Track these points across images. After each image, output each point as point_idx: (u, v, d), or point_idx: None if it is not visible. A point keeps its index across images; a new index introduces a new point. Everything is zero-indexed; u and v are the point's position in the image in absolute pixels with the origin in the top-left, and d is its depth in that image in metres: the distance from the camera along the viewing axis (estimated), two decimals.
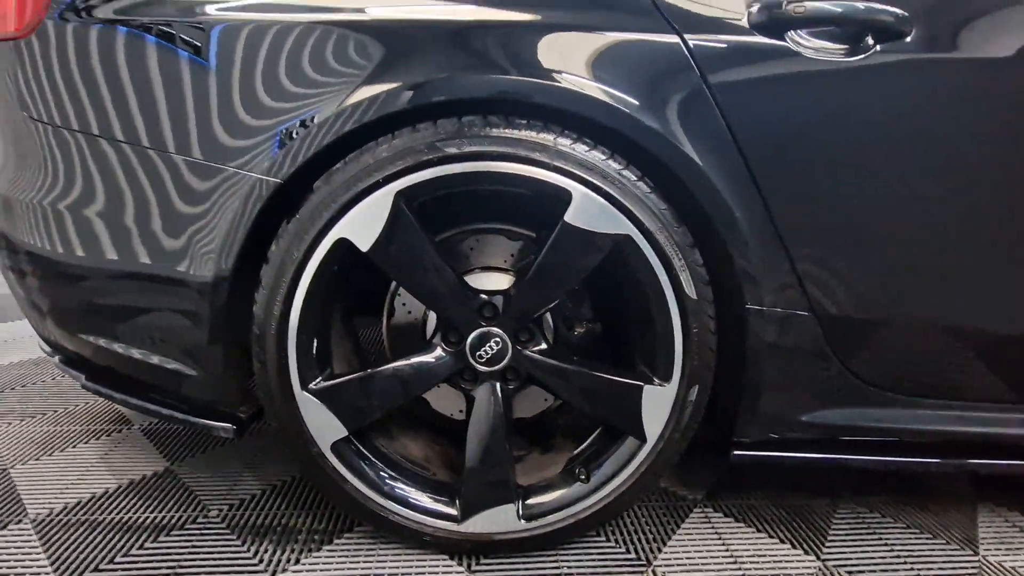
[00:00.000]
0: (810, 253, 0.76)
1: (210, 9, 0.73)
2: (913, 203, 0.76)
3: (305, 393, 0.78)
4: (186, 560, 0.83)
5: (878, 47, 0.71)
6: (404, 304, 0.94)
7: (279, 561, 0.83)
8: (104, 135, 0.76)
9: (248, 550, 0.85)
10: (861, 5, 0.70)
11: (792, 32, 0.71)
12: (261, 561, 0.83)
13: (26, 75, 0.79)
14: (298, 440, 0.80)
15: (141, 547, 0.85)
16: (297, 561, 0.83)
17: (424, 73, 0.70)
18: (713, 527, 0.96)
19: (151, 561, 0.82)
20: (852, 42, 0.71)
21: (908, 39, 0.71)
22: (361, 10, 0.72)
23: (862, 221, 0.76)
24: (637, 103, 0.71)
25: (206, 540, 0.87)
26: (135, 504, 0.95)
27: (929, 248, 0.78)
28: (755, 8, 0.72)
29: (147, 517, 0.92)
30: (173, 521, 0.91)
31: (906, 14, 0.70)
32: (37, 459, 1.08)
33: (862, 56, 0.71)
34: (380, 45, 0.71)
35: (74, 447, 1.12)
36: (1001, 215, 0.78)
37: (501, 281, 0.88)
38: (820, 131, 0.73)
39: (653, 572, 0.85)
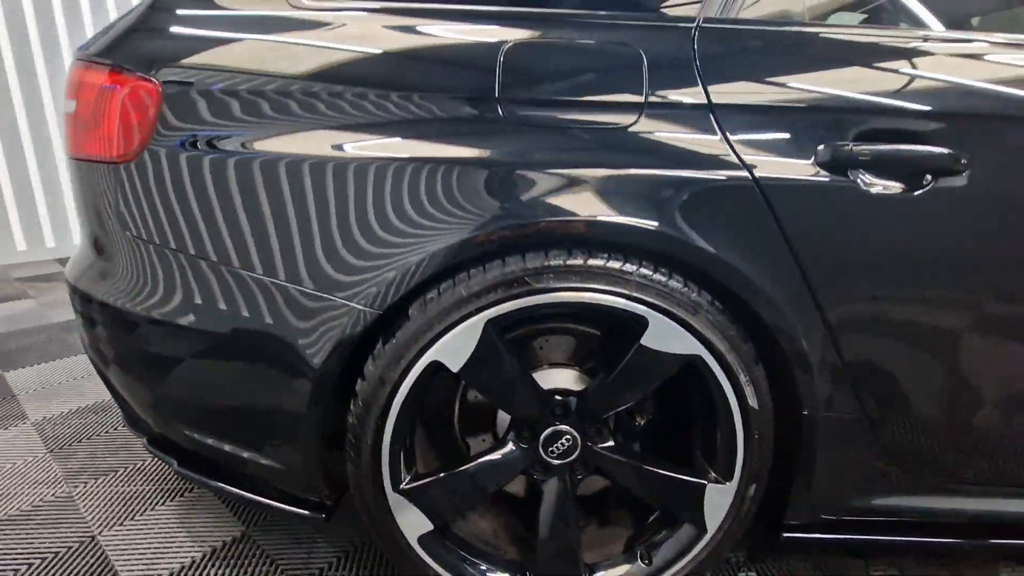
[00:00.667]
0: (867, 371, 0.83)
1: (325, 148, 0.77)
2: (954, 326, 0.82)
3: (396, 494, 0.85)
4: None
5: (935, 183, 0.76)
6: (475, 397, 1.00)
7: None
8: (221, 261, 0.81)
9: None
10: (921, 148, 0.75)
11: (857, 171, 0.76)
12: None
13: (129, 196, 0.83)
14: (389, 534, 0.87)
15: None
16: None
17: (518, 216, 0.75)
18: None
19: None
20: (912, 179, 0.76)
21: (962, 176, 0.76)
22: (457, 160, 0.77)
23: (913, 344, 0.82)
24: (715, 242, 0.76)
25: None
26: (222, 574, 1.03)
27: (973, 364, 0.84)
28: (822, 148, 0.76)
29: None
30: None
31: (958, 153, 0.75)
32: (121, 523, 1.15)
33: (921, 191, 0.76)
34: (479, 191, 0.75)
35: (153, 509, 1.20)
36: None
37: (568, 378, 0.93)
38: (882, 262, 0.79)
39: None
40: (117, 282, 0.89)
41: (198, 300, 0.83)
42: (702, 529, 0.89)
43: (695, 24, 0.81)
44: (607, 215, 0.75)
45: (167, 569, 1.04)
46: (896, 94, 0.78)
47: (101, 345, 0.95)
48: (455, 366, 0.79)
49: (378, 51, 0.81)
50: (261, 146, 0.78)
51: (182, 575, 1.03)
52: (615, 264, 0.77)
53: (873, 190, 0.76)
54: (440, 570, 0.88)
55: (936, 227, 0.78)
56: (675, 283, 0.78)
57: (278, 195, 0.78)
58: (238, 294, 0.81)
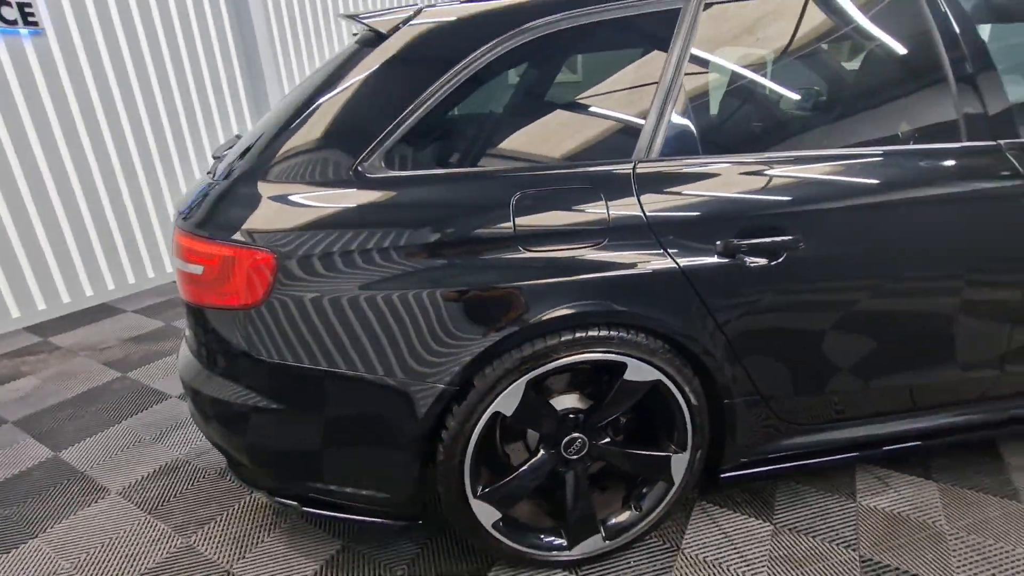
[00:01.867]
0: (762, 373, 1.32)
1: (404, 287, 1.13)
2: (800, 337, 1.32)
3: (475, 499, 1.27)
4: None
5: (785, 256, 1.24)
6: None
7: None
8: (348, 367, 1.16)
9: None
10: (773, 239, 1.23)
11: (740, 255, 1.23)
12: None
13: (256, 330, 1.16)
14: (472, 525, 1.29)
15: None
16: None
17: (553, 309, 1.15)
18: (708, 515, 1.56)
19: None
20: (772, 255, 1.24)
21: (799, 250, 1.25)
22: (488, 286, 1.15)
23: (781, 350, 1.32)
24: (662, 311, 1.20)
25: None
26: None
27: (813, 359, 1.35)
28: (719, 243, 1.22)
29: None
30: None
31: (796, 237, 1.23)
32: (243, 557, 1.50)
33: (776, 262, 1.24)
34: (513, 301, 1.15)
35: (262, 542, 1.54)
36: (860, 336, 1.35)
37: (572, 400, 1.36)
38: (758, 306, 1.26)
39: (682, 553, 1.43)
40: (245, 389, 1.22)
41: (330, 400, 1.18)
42: (671, 483, 1.38)
43: (632, 165, 1.23)
44: (594, 306, 1.18)
45: None
46: (757, 204, 1.24)
47: (239, 435, 1.27)
48: (508, 412, 1.21)
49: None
50: (355, 288, 1.13)
51: None
52: (604, 333, 1.20)
53: (750, 265, 1.23)
54: (509, 543, 1.33)
55: (787, 282, 1.27)
56: (641, 338, 1.22)
57: (381, 320, 1.14)
58: (359, 391, 1.17)
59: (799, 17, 1.36)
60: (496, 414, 1.21)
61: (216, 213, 1.18)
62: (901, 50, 1.39)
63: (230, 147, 1.59)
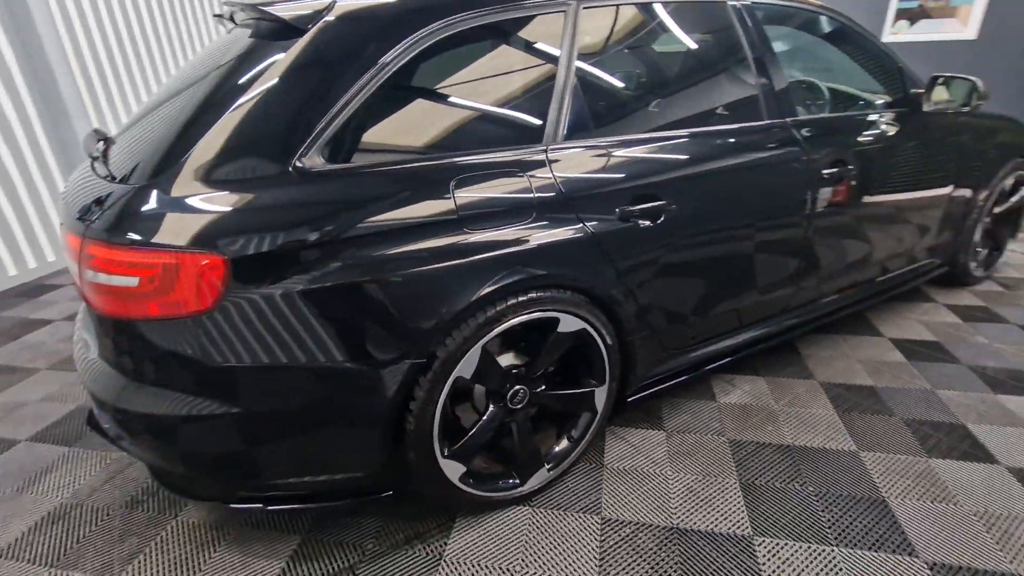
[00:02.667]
0: (652, 313, 1.65)
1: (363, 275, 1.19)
2: (677, 282, 1.68)
3: (443, 458, 1.40)
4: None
5: (663, 218, 1.57)
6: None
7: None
8: (297, 362, 1.18)
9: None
10: (653, 204, 1.54)
11: (634, 219, 1.52)
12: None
13: (208, 336, 1.13)
14: (441, 482, 1.43)
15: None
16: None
17: (500, 279, 1.30)
18: (617, 436, 1.89)
19: None
20: (655, 218, 1.55)
21: (672, 211, 1.58)
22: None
23: (664, 294, 1.66)
24: (579, 270, 1.44)
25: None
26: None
27: (685, 299, 1.73)
28: (618, 210, 1.49)
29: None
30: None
31: (667, 201, 1.56)
32: None
33: (659, 223, 1.56)
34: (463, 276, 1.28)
35: (212, 556, 1.48)
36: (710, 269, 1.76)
37: (510, 357, 1.54)
38: (648, 258, 1.58)
39: (606, 468, 1.74)
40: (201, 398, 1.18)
41: (300, 392, 1.20)
42: (594, 412, 1.66)
43: (545, 149, 1.43)
44: (532, 272, 1.37)
45: None
46: (639, 176, 1.54)
47: (192, 446, 1.22)
48: (468, 375, 1.36)
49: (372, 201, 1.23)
50: (313, 282, 1.16)
51: None
52: (541, 294, 1.40)
53: (641, 227, 1.53)
54: (474, 491, 1.49)
55: (666, 238, 1.60)
56: (568, 295, 1.45)
57: (345, 308, 1.19)
58: (328, 379, 1.21)
59: (654, 23, 1.68)
60: (456, 378, 1.35)
61: (143, 218, 1.10)
62: (725, 55, 1.80)
63: (101, 143, 1.43)
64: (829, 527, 1.50)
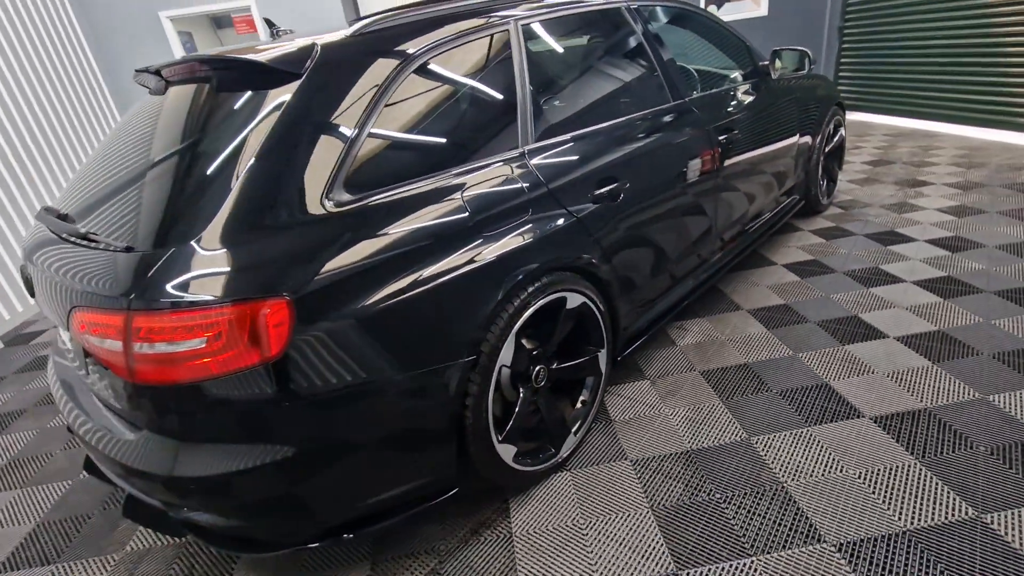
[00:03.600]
0: (626, 278, 1.90)
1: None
2: (641, 250, 1.96)
3: (499, 444, 1.53)
4: None
5: (621, 197, 1.82)
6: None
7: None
8: (370, 380, 1.24)
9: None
10: (612, 186, 1.79)
11: (602, 200, 1.75)
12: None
13: (287, 376, 1.15)
14: (500, 466, 1.55)
15: None
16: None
17: (520, 271, 1.46)
18: (612, 394, 2.14)
19: None
20: (617, 196, 1.80)
21: (628, 189, 1.85)
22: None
23: (635, 262, 1.93)
24: (575, 252, 1.64)
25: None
26: None
27: (648, 264, 2.01)
28: (591, 194, 1.72)
29: None
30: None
31: (623, 182, 1.83)
32: None
33: (620, 200, 1.81)
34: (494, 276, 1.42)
35: None
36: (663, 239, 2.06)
37: (526, 343, 1.71)
38: (621, 236, 1.83)
39: (614, 423, 1.97)
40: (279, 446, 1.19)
41: (373, 411, 1.26)
42: (599, 374, 1.88)
43: (523, 151, 1.61)
44: (543, 259, 1.54)
45: None
46: (598, 162, 1.78)
47: (265, 493, 1.21)
48: (508, 363, 1.50)
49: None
50: (373, 305, 1.23)
51: None
52: (552, 278, 1.58)
53: (608, 206, 1.78)
54: (524, 468, 1.63)
55: (627, 212, 1.86)
56: (569, 275, 1.65)
57: (405, 323, 1.27)
58: (399, 393, 1.28)
59: (577, 30, 1.93)
60: (500, 368, 1.49)
61: (194, 278, 1.10)
62: (635, 51, 2.11)
63: (64, 220, 1.36)
64: (798, 413, 1.88)
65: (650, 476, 1.72)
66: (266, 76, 1.31)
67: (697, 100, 2.29)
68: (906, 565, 1.33)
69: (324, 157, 1.25)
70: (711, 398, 2.03)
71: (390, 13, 1.53)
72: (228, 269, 1.11)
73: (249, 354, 1.11)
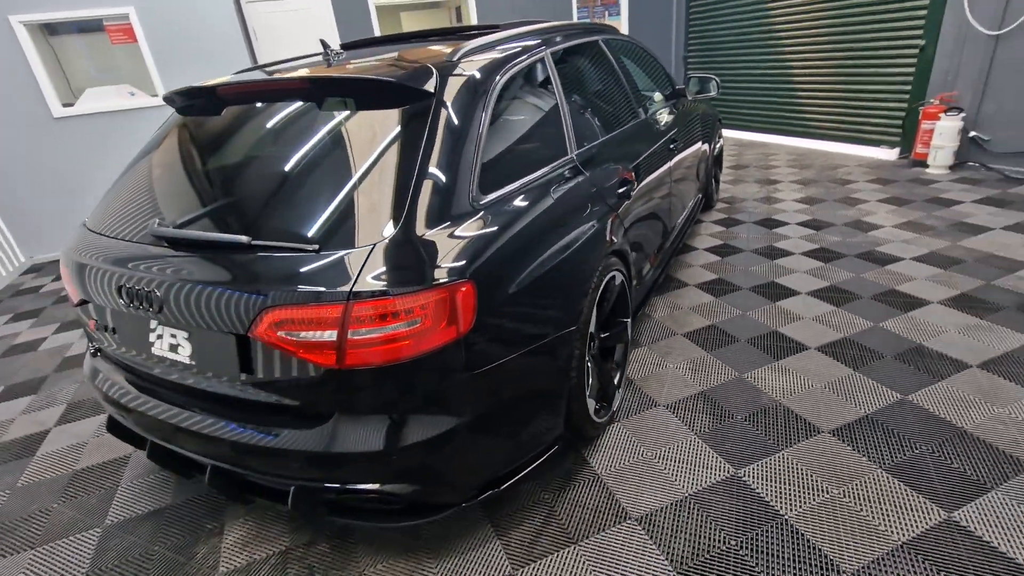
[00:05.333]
0: (637, 258, 2.33)
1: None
2: (646, 227, 2.41)
3: (588, 399, 1.84)
4: None
5: (635, 188, 2.25)
6: None
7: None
8: (529, 346, 1.48)
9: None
10: (624, 188, 2.22)
11: (622, 196, 2.16)
12: None
13: (470, 351, 1.34)
14: (589, 420, 1.87)
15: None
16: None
17: (596, 250, 1.79)
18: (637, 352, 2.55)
19: None
20: (632, 190, 2.23)
21: (637, 185, 2.28)
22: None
23: (639, 238, 2.36)
24: (619, 236, 2.02)
25: None
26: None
27: (648, 237, 2.47)
28: (618, 191, 2.11)
29: None
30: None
31: (635, 180, 2.26)
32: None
33: (634, 191, 2.24)
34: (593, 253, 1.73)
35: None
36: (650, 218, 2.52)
37: None
38: (633, 220, 2.24)
39: (634, 383, 2.38)
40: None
41: (529, 374, 1.50)
42: (626, 342, 2.28)
43: (573, 157, 1.95)
44: (605, 242, 1.89)
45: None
46: (620, 164, 2.19)
47: (448, 460, 1.39)
48: (595, 329, 1.82)
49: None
50: (522, 279, 1.48)
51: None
52: (611, 259, 1.93)
53: (627, 198, 2.19)
54: (598, 420, 1.96)
55: (638, 200, 2.29)
56: (615, 258, 2.02)
57: (547, 293, 1.54)
58: (544, 356, 1.54)
59: (584, 60, 2.33)
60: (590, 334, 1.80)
61: (404, 267, 1.26)
62: (621, 74, 2.57)
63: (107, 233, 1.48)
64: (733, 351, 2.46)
65: (683, 413, 2.15)
66: (399, 95, 1.48)
67: (651, 115, 2.82)
68: None
69: (468, 162, 1.47)
70: (694, 351, 2.54)
71: (489, 40, 1.78)
72: (426, 258, 1.29)
73: (448, 331, 1.30)
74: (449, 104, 1.50)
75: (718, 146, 4.41)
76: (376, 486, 1.37)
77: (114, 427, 1.80)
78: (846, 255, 3.38)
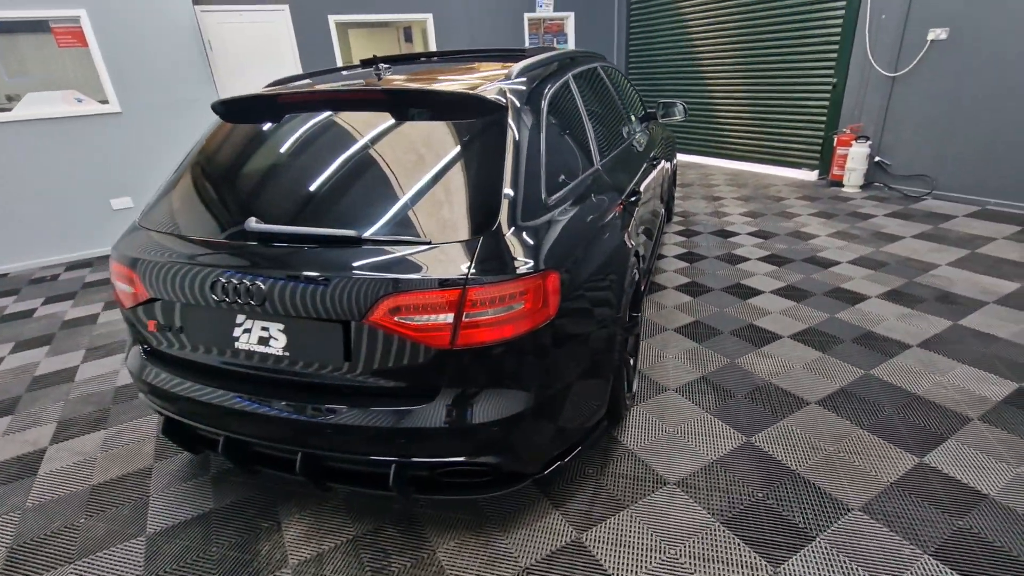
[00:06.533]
0: (641, 255, 2.61)
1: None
2: (641, 220, 2.70)
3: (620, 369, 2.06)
4: None
5: (637, 199, 2.54)
6: None
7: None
8: (590, 329, 1.68)
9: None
10: (636, 195, 2.50)
11: (633, 199, 2.43)
12: None
13: (561, 329, 1.53)
14: (624, 397, 2.08)
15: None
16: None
17: (630, 240, 2.03)
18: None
19: None
20: (637, 199, 2.51)
21: (638, 197, 2.57)
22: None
23: (643, 241, 2.65)
24: (636, 238, 2.28)
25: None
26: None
27: (644, 227, 2.76)
28: (631, 199, 2.38)
29: None
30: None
31: (638, 192, 2.55)
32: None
33: (636, 200, 2.52)
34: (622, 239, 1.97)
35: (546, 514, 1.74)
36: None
37: None
38: (639, 223, 2.52)
39: (641, 372, 2.64)
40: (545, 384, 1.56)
41: (594, 355, 1.70)
42: (638, 333, 2.53)
43: (598, 166, 2.20)
44: (636, 238, 2.14)
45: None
46: (635, 180, 2.46)
47: (540, 431, 1.56)
48: (628, 317, 2.05)
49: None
50: (586, 273, 1.68)
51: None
52: (635, 256, 2.19)
53: (632, 203, 2.47)
54: (628, 400, 2.18)
55: (640, 205, 2.58)
56: (634, 256, 2.28)
57: (608, 280, 1.75)
58: (604, 336, 1.75)
59: (601, 82, 2.60)
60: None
61: (511, 257, 1.42)
62: (613, 100, 2.86)
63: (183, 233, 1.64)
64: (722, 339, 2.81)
65: (691, 394, 2.42)
66: (477, 108, 1.65)
67: (639, 133, 3.15)
68: None
69: (540, 166, 1.67)
70: (688, 342, 2.85)
71: (532, 61, 2.00)
72: (523, 250, 1.46)
73: (542, 313, 1.48)
74: (521, 115, 1.69)
75: (674, 164, 4.87)
76: (463, 459, 1.50)
77: (170, 430, 1.79)
78: (795, 260, 3.87)
